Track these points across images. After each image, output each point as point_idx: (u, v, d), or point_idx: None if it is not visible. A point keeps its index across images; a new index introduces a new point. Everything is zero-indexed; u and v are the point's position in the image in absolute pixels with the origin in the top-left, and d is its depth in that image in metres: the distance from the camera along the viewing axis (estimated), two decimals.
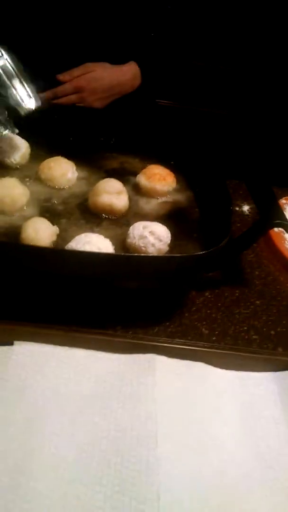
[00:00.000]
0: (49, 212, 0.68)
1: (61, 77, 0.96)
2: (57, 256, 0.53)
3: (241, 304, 0.70)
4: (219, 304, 0.69)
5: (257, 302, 0.71)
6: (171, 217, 0.73)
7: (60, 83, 0.98)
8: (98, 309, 0.62)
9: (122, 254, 0.58)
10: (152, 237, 0.61)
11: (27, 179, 0.72)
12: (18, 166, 0.74)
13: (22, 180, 0.70)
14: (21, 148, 0.72)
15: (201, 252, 0.55)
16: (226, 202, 0.69)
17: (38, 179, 0.73)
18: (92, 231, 0.66)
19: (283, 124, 1.45)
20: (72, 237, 0.64)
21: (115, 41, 1.00)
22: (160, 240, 0.61)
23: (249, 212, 0.92)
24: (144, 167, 0.83)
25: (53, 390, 0.52)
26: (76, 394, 0.52)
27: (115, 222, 0.69)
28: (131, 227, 0.63)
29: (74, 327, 0.58)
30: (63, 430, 0.48)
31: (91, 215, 0.69)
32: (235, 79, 1.74)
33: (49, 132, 0.81)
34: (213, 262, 0.60)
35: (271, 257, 0.81)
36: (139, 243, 0.61)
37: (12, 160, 0.72)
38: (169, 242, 0.63)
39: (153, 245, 0.61)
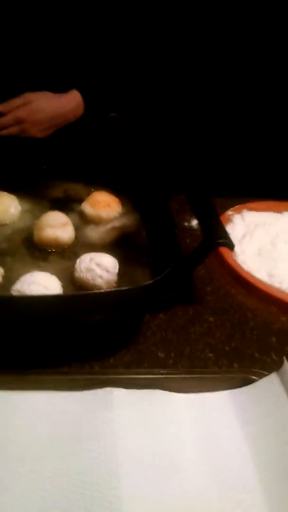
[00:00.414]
0: None
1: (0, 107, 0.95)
2: (2, 302, 0.52)
3: (196, 322, 0.71)
4: (173, 325, 0.70)
5: (211, 318, 0.72)
6: (119, 243, 0.73)
7: None
8: (50, 347, 0.61)
9: (68, 294, 0.57)
10: (99, 268, 0.61)
11: None
12: None
13: None
14: None
15: (147, 283, 0.55)
16: (170, 224, 0.70)
17: None
18: (38, 267, 0.66)
19: (228, 132, 1.48)
20: (19, 275, 0.63)
21: (57, 67, 0.99)
22: (108, 271, 0.61)
23: (198, 227, 0.93)
24: (89, 193, 0.83)
25: (9, 439, 0.51)
26: (34, 441, 0.51)
27: (62, 255, 0.69)
28: (77, 260, 0.63)
29: (27, 369, 0.57)
30: (22, 480, 0.48)
31: (37, 250, 0.69)
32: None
33: None
34: (163, 287, 0.61)
35: (221, 271, 0.83)
36: (87, 276, 0.61)
37: None
38: (117, 271, 0.63)
39: (100, 276, 0.61)
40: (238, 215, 0.96)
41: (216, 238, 0.64)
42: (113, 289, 0.59)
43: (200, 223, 0.70)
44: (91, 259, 0.61)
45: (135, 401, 0.56)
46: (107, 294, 0.55)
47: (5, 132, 0.96)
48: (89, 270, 0.60)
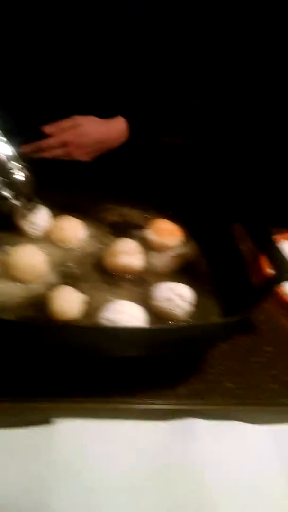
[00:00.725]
0: (68, 277, 0.67)
1: (47, 129, 0.95)
2: (104, 333, 0.53)
3: (255, 353, 0.73)
4: (235, 355, 0.71)
5: (269, 349, 0.74)
6: (182, 271, 0.75)
7: (44, 134, 0.97)
8: (129, 376, 0.62)
9: (167, 326, 0.59)
10: (178, 298, 0.62)
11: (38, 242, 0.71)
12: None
13: (35, 244, 0.69)
14: (45, 217, 0.71)
15: (234, 318, 0.57)
16: (235, 254, 0.72)
17: (48, 241, 0.72)
18: (114, 293, 0.67)
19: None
20: (97, 302, 0.64)
21: (105, 94, 1.00)
22: (187, 302, 0.63)
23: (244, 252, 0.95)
24: (144, 218, 0.85)
25: (105, 468, 0.51)
26: (128, 470, 0.52)
27: (133, 282, 0.70)
28: (155, 289, 0.64)
29: (112, 398, 0.58)
30: (121, 509, 0.48)
31: (108, 276, 0.70)
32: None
33: (42, 189, 0.80)
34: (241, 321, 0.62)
35: (270, 299, 0.85)
36: (167, 305, 0.62)
37: (37, 231, 0.71)
38: (192, 301, 0.64)
39: (180, 307, 0.62)
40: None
41: (286, 273, 0.66)
42: (203, 322, 0.61)
43: (265, 255, 0.73)
44: (170, 289, 0.63)
45: (218, 432, 0.57)
46: (196, 327, 0.57)
47: (49, 154, 0.96)
48: (169, 299, 0.62)
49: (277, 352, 0.74)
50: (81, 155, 1.00)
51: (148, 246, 0.77)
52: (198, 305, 0.68)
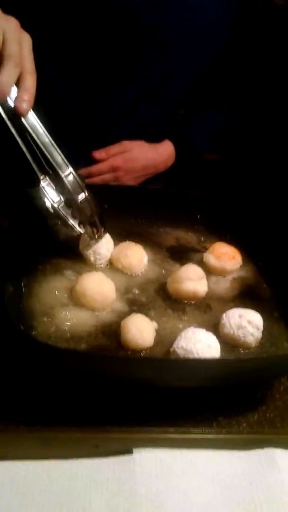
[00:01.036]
0: (135, 304, 0.68)
1: (97, 154, 0.96)
2: (186, 366, 0.53)
3: None
4: None
5: None
6: (245, 296, 0.74)
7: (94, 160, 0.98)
8: (204, 405, 0.61)
9: (251, 357, 0.58)
10: (250, 326, 0.62)
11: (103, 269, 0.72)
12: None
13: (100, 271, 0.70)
14: (109, 246, 0.72)
15: None
16: None
17: (113, 268, 0.73)
18: (182, 320, 0.67)
19: None
20: (166, 329, 0.64)
21: (154, 117, 1.01)
22: (258, 329, 0.62)
23: None
24: (199, 242, 0.85)
25: (187, 500, 0.51)
26: (210, 502, 0.51)
27: (197, 307, 0.70)
28: (224, 316, 0.64)
29: (189, 428, 0.58)
30: None
31: (173, 302, 0.70)
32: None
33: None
34: None
35: None
36: (238, 333, 0.62)
37: (101, 260, 0.72)
38: (262, 328, 0.64)
39: (252, 334, 0.62)
40: None
41: None
42: (281, 353, 0.60)
43: None
44: (240, 316, 0.62)
45: None
46: (275, 358, 0.56)
47: (99, 179, 0.97)
48: (241, 327, 0.62)
49: None
50: (130, 180, 1.01)
51: (208, 271, 0.77)
52: (267, 331, 0.67)
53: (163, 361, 0.56)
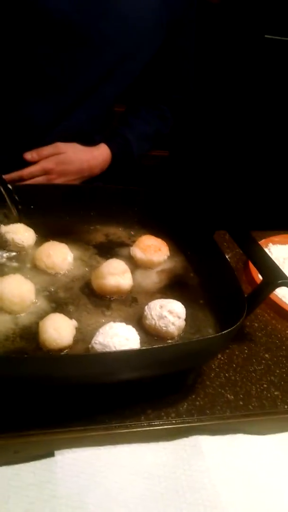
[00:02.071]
0: (57, 303, 0.66)
1: (28, 156, 0.94)
2: (101, 360, 0.52)
3: (253, 361, 0.72)
4: (234, 365, 0.71)
5: (266, 355, 0.74)
6: (172, 286, 0.74)
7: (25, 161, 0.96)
8: (129, 399, 0.61)
9: (165, 345, 0.57)
10: (171, 315, 0.61)
11: (24, 271, 0.71)
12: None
13: (20, 272, 0.68)
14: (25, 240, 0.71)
15: (228, 330, 0.56)
16: (223, 264, 0.72)
17: (35, 268, 0.71)
18: (105, 315, 0.66)
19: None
20: (88, 326, 0.63)
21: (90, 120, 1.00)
22: (179, 317, 0.62)
23: (231, 260, 0.96)
24: (129, 236, 0.84)
25: (110, 497, 0.50)
26: (134, 496, 0.50)
27: (123, 302, 0.69)
28: (146, 307, 0.64)
29: (112, 423, 0.57)
30: None
31: (97, 298, 0.69)
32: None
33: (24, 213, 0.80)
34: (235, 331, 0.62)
35: (264, 306, 0.85)
36: (160, 323, 0.61)
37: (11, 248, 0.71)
38: (185, 316, 0.64)
39: (173, 323, 0.61)
40: (265, 249, 0.99)
41: (276, 279, 0.66)
42: (200, 337, 0.60)
43: (252, 262, 0.73)
44: (161, 306, 0.62)
45: (223, 447, 0.56)
46: (193, 343, 0.56)
47: (31, 181, 0.95)
48: (162, 317, 0.61)
49: (275, 359, 0.73)
50: (62, 183, 1.00)
51: (135, 264, 0.76)
52: (192, 318, 0.68)
53: (66, 357, 0.54)
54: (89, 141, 1.02)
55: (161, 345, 0.56)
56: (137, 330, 0.62)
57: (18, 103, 0.93)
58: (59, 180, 0.98)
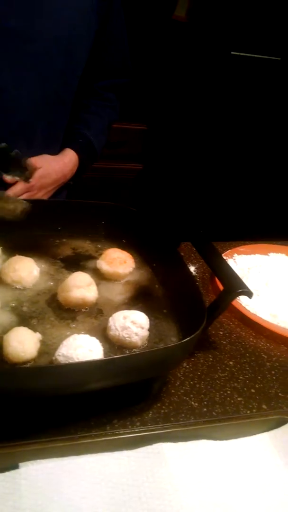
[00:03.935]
0: (23, 317, 0.67)
1: (8, 179, 0.93)
2: (62, 371, 0.53)
3: (218, 368, 0.74)
4: (199, 373, 0.73)
5: (231, 363, 0.76)
6: (138, 297, 0.76)
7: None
8: (91, 408, 0.62)
9: (125, 355, 0.59)
10: (135, 326, 0.63)
11: None
12: None
13: None
14: None
15: (188, 338, 0.58)
16: (185, 274, 0.74)
17: (1, 283, 0.72)
18: (70, 328, 0.67)
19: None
20: (53, 338, 0.64)
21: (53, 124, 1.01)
22: (142, 328, 0.64)
23: (196, 273, 0.98)
24: (96, 249, 0.86)
25: (74, 506, 0.51)
26: (97, 505, 0.51)
27: (88, 314, 0.70)
28: (110, 319, 0.65)
29: (77, 434, 0.58)
30: None
31: (63, 311, 0.70)
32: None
33: None
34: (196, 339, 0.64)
35: (228, 314, 0.87)
36: (123, 334, 0.63)
37: None
38: (148, 326, 0.66)
39: (136, 334, 0.63)
40: (231, 259, 1.03)
41: (235, 288, 0.69)
42: (162, 346, 0.62)
43: (214, 272, 0.75)
44: (125, 317, 0.64)
45: (186, 454, 0.58)
46: (156, 352, 0.57)
47: None
48: (125, 328, 0.63)
49: (238, 366, 0.75)
50: (43, 196, 1.01)
51: (102, 277, 0.78)
52: (156, 328, 0.70)
53: (27, 370, 0.55)
54: (53, 148, 1.04)
55: (120, 356, 0.58)
56: (102, 341, 0.64)
57: None
58: (39, 194, 1.00)
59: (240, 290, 0.68)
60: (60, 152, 1.05)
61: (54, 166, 1.01)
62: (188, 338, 0.57)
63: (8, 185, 0.94)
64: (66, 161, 1.04)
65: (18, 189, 0.93)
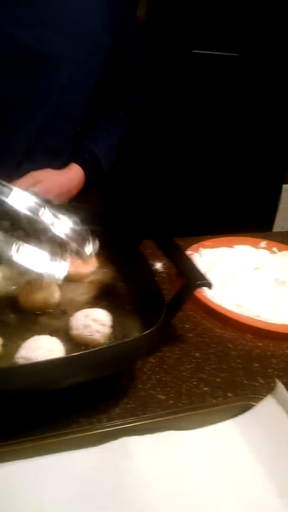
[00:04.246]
0: None
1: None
2: (22, 373, 0.53)
3: (184, 360, 0.75)
4: (165, 366, 0.73)
5: (197, 354, 0.77)
6: (101, 296, 0.76)
7: None
8: (57, 408, 0.62)
9: (76, 354, 0.59)
10: (96, 324, 0.64)
11: None
12: None
13: None
14: None
15: (146, 332, 0.59)
16: (147, 271, 0.75)
17: None
18: (33, 331, 0.67)
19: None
20: (14, 342, 0.64)
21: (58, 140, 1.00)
22: (104, 325, 0.64)
23: (163, 269, 0.99)
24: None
25: (39, 507, 0.51)
26: (63, 503, 0.51)
27: (51, 315, 0.71)
28: (72, 318, 0.65)
29: (40, 434, 0.58)
30: None
31: (26, 314, 0.70)
32: None
33: None
34: (156, 333, 0.65)
35: (194, 308, 0.88)
36: (85, 332, 0.63)
37: None
38: (111, 323, 0.66)
39: (98, 331, 0.64)
40: (197, 253, 1.04)
41: (196, 280, 0.70)
42: (118, 342, 0.62)
43: (175, 266, 0.76)
44: (86, 316, 0.64)
45: (151, 446, 0.58)
46: (113, 348, 0.58)
47: None
48: (86, 326, 0.63)
49: (204, 357, 0.77)
50: None
51: (64, 278, 0.78)
52: (120, 325, 0.70)
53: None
54: (59, 163, 1.02)
55: (76, 353, 0.58)
56: (66, 341, 0.64)
57: None
58: None
59: (199, 282, 0.70)
60: (66, 167, 1.03)
61: (59, 180, 0.98)
62: (146, 332, 0.58)
63: None
64: (72, 176, 1.02)
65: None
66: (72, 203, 0.94)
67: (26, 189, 0.67)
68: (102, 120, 1.12)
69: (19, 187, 0.92)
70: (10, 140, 0.93)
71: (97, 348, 0.56)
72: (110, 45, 1.00)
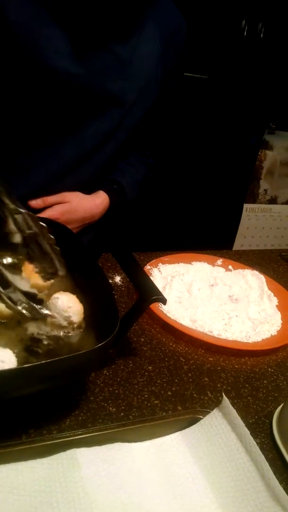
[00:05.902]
0: None
1: (33, 203, 0.93)
2: None
3: (137, 373, 0.77)
4: (118, 379, 0.75)
5: (150, 367, 0.79)
6: None
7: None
8: (6, 419, 0.62)
9: (23, 366, 0.59)
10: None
11: None
12: None
13: None
14: None
15: (98, 345, 0.60)
16: (104, 284, 0.77)
17: None
18: None
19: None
20: None
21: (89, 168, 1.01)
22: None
23: (122, 283, 1.01)
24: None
25: None
26: None
27: (5, 326, 0.71)
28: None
29: None
30: None
31: None
32: None
33: None
34: (109, 346, 0.66)
35: (150, 322, 0.91)
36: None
37: None
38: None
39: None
40: (156, 268, 1.07)
41: (150, 295, 0.72)
42: (69, 355, 0.63)
43: (131, 281, 0.78)
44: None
45: (100, 457, 0.60)
46: (65, 360, 0.59)
47: None
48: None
49: (157, 370, 0.79)
50: None
51: None
52: (74, 338, 0.71)
53: None
54: (90, 190, 1.04)
55: (29, 365, 0.58)
56: (20, 352, 0.64)
57: (21, 157, 0.93)
58: None
59: (153, 298, 0.72)
60: (94, 193, 1.04)
61: (84, 204, 1.00)
62: (98, 345, 0.59)
63: None
64: (98, 202, 1.03)
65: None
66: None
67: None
68: (133, 156, 1.15)
69: (44, 201, 0.95)
70: (49, 163, 0.95)
71: (49, 360, 0.57)
72: (155, 98, 1.02)
